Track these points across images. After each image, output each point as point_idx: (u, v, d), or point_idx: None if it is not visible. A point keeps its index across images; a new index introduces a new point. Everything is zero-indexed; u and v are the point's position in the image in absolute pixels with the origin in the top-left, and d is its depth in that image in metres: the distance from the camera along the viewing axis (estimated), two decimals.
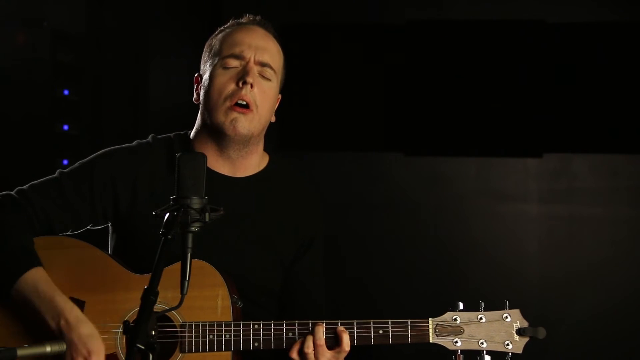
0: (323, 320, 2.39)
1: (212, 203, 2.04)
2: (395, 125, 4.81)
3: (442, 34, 4.76)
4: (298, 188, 2.70)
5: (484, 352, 2.38)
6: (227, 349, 2.38)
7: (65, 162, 4.61)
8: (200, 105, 2.59)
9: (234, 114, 2.49)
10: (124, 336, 2.38)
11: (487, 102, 4.71)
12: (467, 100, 4.73)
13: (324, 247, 2.71)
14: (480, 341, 2.39)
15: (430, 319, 2.41)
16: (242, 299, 2.44)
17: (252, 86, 2.49)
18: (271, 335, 2.39)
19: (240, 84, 2.49)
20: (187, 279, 1.99)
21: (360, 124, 4.81)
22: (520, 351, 2.39)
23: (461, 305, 2.41)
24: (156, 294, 1.87)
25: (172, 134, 2.67)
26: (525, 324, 2.40)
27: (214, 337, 2.38)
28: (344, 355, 2.38)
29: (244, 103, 2.49)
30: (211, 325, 2.38)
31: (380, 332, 2.39)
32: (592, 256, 4.64)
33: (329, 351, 2.36)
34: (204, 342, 2.37)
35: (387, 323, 2.39)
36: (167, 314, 2.36)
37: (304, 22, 4.82)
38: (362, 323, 2.40)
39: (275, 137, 2.86)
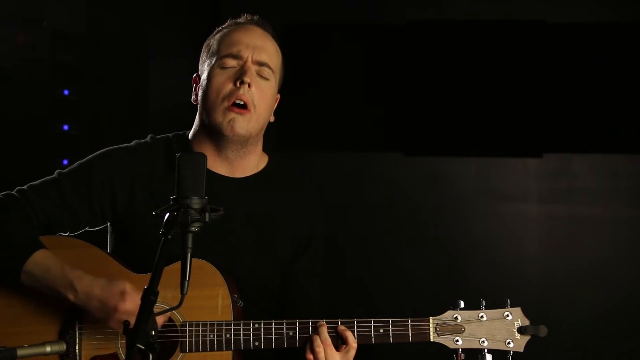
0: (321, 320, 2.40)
1: (211, 204, 2.04)
2: (395, 125, 4.80)
3: (442, 34, 4.76)
4: (297, 188, 2.70)
5: (485, 350, 2.39)
6: (228, 348, 2.38)
7: (65, 162, 4.61)
8: (198, 106, 2.59)
9: (232, 115, 2.49)
10: (124, 336, 2.38)
11: (487, 102, 4.71)
12: (467, 100, 4.73)
13: (324, 247, 2.71)
14: (482, 340, 2.39)
15: (431, 317, 2.41)
16: (242, 299, 2.44)
17: (249, 86, 2.49)
18: (272, 335, 2.39)
19: (238, 84, 2.49)
20: (187, 278, 1.99)
21: (360, 124, 4.81)
22: (521, 349, 2.39)
23: (462, 304, 2.41)
24: (156, 294, 1.87)
25: (170, 134, 2.67)
26: (527, 322, 2.40)
27: (214, 336, 2.38)
28: (353, 352, 2.38)
29: (242, 103, 2.49)
30: (212, 325, 2.38)
31: (381, 331, 2.39)
32: (592, 256, 4.64)
33: (338, 353, 2.37)
34: (204, 342, 2.38)
35: (388, 322, 2.39)
36: (167, 313, 2.36)
37: (304, 22, 4.82)
38: (363, 322, 2.40)
39: (274, 137, 2.86)
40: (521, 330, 2.39)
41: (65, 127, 4.71)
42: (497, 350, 2.39)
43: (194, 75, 2.63)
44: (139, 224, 2.51)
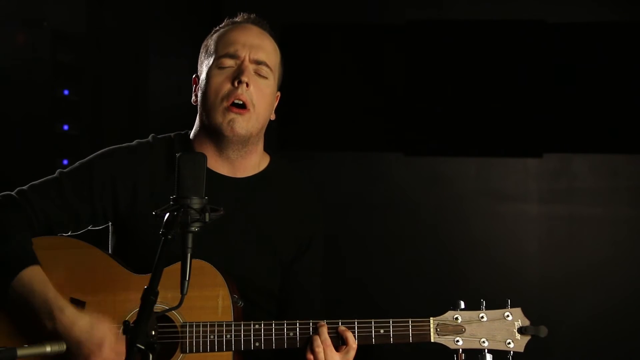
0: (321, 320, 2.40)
1: (212, 204, 2.04)
2: (395, 125, 4.80)
3: (442, 34, 4.76)
4: (297, 189, 2.70)
5: (486, 351, 2.39)
6: (228, 349, 2.38)
7: (65, 162, 4.61)
8: (198, 107, 2.59)
9: (232, 115, 2.49)
10: (124, 336, 2.37)
11: (487, 102, 4.71)
12: (467, 100, 4.73)
13: (324, 247, 2.71)
14: (482, 340, 2.39)
15: (431, 318, 2.41)
16: (242, 300, 2.44)
17: (247, 85, 2.49)
18: (272, 335, 2.39)
19: (236, 84, 2.49)
20: (187, 279, 1.98)
21: (360, 124, 4.81)
22: (522, 350, 2.39)
23: (462, 304, 2.41)
24: (156, 294, 1.87)
25: (172, 134, 2.67)
26: (527, 322, 2.41)
27: (214, 337, 2.38)
28: (352, 353, 2.38)
29: (241, 103, 2.49)
30: (212, 326, 2.38)
31: (381, 331, 2.39)
32: (592, 256, 4.64)
33: (338, 353, 2.37)
34: (204, 342, 2.37)
35: (388, 322, 2.39)
36: (167, 314, 2.36)
37: (304, 22, 4.82)
38: (363, 322, 2.40)
39: (275, 137, 2.86)
40: (521, 330, 2.39)
41: (65, 127, 4.71)
42: (497, 350, 2.39)
43: (194, 76, 2.63)
44: (140, 223, 2.51)
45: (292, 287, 2.64)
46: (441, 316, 2.41)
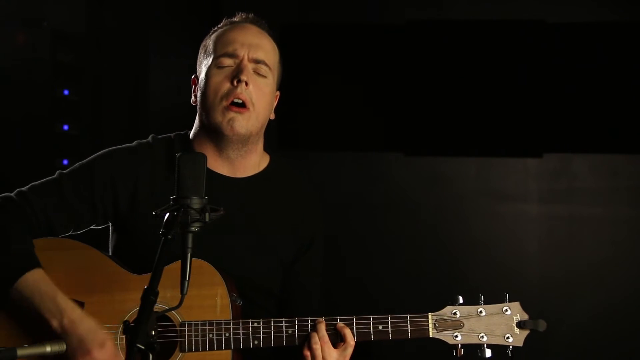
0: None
1: (212, 204, 2.04)
2: (395, 125, 4.80)
3: (442, 34, 4.76)
4: (297, 188, 2.70)
5: (485, 345, 2.39)
6: (227, 347, 2.38)
7: (65, 162, 4.61)
8: (197, 107, 2.59)
9: (231, 114, 2.49)
10: (124, 336, 2.37)
11: (487, 102, 4.71)
12: (467, 100, 4.73)
13: (324, 247, 2.71)
14: (481, 335, 2.39)
15: (429, 313, 2.41)
16: (241, 299, 2.44)
17: (247, 84, 2.49)
18: (271, 333, 2.39)
19: (235, 83, 2.49)
20: (187, 278, 1.99)
21: (360, 124, 4.81)
22: (520, 344, 2.39)
23: (461, 299, 2.42)
24: (156, 294, 1.87)
25: (172, 134, 2.67)
26: (526, 316, 2.40)
27: (213, 335, 2.38)
28: (350, 350, 2.39)
29: (240, 102, 2.49)
30: (211, 324, 2.38)
31: (380, 327, 2.39)
32: (592, 256, 4.64)
33: (335, 350, 2.37)
34: (203, 341, 2.38)
35: (387, 318, 2.39)
36: (166, 313, 2.36)
37: (304, 22, 4.82)
38: (362, 319, 2.40)
39: (275, 136, 2.87)
40: (520, 324, 2.39)
41: (65, 127, 4.71)
42: (496, 345, 2.39)
43: (192, 76, 2.64)
44: (140, 224, 2.51)
45: (292, 287, 2.64)
46: (439, 311, 2.41)
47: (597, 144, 4.69)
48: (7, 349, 2.06)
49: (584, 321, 4.57)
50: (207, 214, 2.01)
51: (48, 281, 2.37)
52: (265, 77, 2.55)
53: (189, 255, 1.99)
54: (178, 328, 2.39)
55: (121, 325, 2.39)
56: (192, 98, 2.62)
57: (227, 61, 2.53)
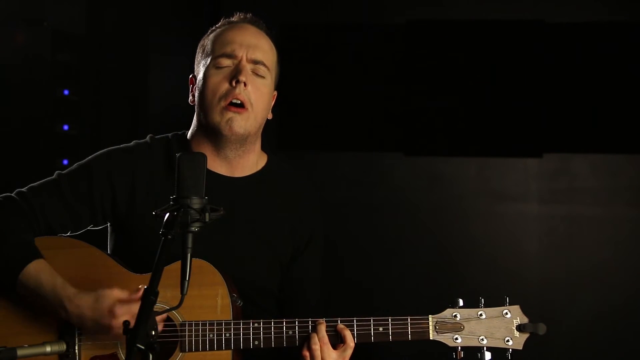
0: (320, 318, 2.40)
1: (210, 203, 2.04)
2: (395, 125, 4.80)
3: (442, 34, 4.76)
4: (296, 188, 2.70)
5: (485, 348, 2.39)
6: (228, 347, 2.38)
7: (65, 162, 4.61)
8: (195, 106, 2.60)
9: (230, 114, 2.49)
10: (124, 336, 2.37)
11: (487, 102, 4.71)
12: (467, 100, 4.73)
13: (324, 246, 2.71)
14: (481, 337, 2.39)
15: (430, 315, 2.41)
16: (240, 299, 2.44)
17: (245, 85, 2.49)
18: (271, 334, 2.39)
19: (234, 83, 2.49)
20: (187, 279, 1.99)
21: (360, 124, 4.81)
22: (520, 347, 2.39)
23: (461, 302, 2.42)
24: (156, 294, 1.87)
25: (169, 134, 2.67)
26: (525, 320, 2.41)
27: (214, 335, 2.38)
28: (350, 352, 2.39)
29: (239, 102, 2.50)
30: (211, 324, 2.38)
31: (380, 329, 2.39)
32: (592, 256, 4.64)
33: (335, 351, 2.37)
34: (204, 341, 2.38)
35: (387, 320, 2.39)
36: (166, 313, 2.36)
37: (304, 22, 4.82)
38: (362, 320, 2.40)
39: (274, 136, 2.87)
40: (520, 328, 2.39)
41: (65, 127, 4.71)
42: (496, 348, 2.39)
43: (190, 76, 2.64)
44: (138, 224, 2.51)
45: (291, 286, 2.64)
46: (440, 314, 2.41)
47: (597, 144, 4.68)
48: (7, 349, 2.06)
49: (584, 321, 4.57)
50: (207, 214, 2.01)
51: (50, 271, 2.38)
52: (263, 77, 2.55)
53: (189, 255, 1.99)
54: (178, 328, 2.39)
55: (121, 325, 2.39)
56: (190, 98, 2.62)
57: (226, 61, 2.53)
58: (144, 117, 4.86)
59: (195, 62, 2.63)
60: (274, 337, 2.39)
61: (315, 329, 2.38)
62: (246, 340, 2.38)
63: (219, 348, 2.38)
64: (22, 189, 2.52)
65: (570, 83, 4.64)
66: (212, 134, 2.53)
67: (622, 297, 4.57)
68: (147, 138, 2.65)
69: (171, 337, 2.39)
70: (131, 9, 4.84)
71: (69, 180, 2.53)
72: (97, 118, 4.83)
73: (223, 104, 2.50)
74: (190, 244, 2.00)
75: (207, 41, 2.60)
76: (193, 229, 2.00)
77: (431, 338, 2.40)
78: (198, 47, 2.63)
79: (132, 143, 2.63)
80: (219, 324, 2.38)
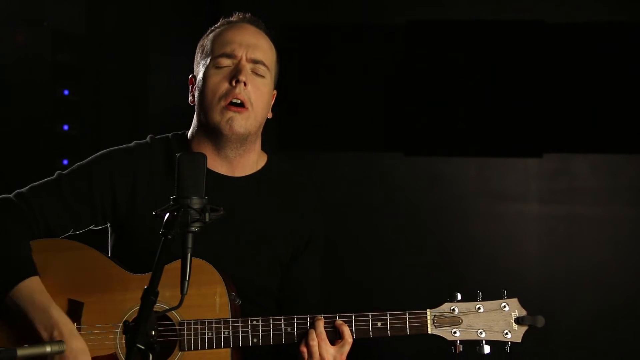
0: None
1: (210, 203, 2.05)
2: (395, 125, 4.80)
3: (442, 34, 4.76)
4: (296, 187, 2.70)
5: (483, 341, 2.39)
6: (227, 345, 2.38)
7: (65, 162, 4.62)
8: (195, 106, 2.60)
9: (230, 114, 2.49)
10: (123, 336, 2.37)
11: (487, 102, 4.71)
12: (467, 100, 4.73)
13: (324, 246, 2.71)
14: (479, 331, 2.40)
15: (428, 310, 2.41)
16: (240, 298, 2.44)
17: (245, 84, 2.50)
18: (270, 331, 2.39)
19: (234, 83, 2.50)
20: (187, 278, 1.98)
21: (360, 124, 4.81)
22: (519, 340, 2.39)
23: (459, 296, 2.42)
24: (156, 294, 1.87)
25: (169, 134, 2.67)
26: (524, 312, 2.41)
27: (212, 334, 2.38)
28: (347, 347, 2.39)
29: (239, 102, 2.50)
30: (210, 323, 2.38)
31: (379, 324, 2.39)
32: (592, 256, 4.64)
33: (333, 347, 2.37)
34: (203, 340, 2.38)
35: (385, 315, 2.39)
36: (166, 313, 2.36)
37: (304, 22, 4.82)
38: (360, 316, 2.40)
39: (274, 136, 2.87)
40: (518, 320, 2.39)
41: (65, 127, 4.71)
42: (495, 341, 2.39)
43: (190, 76, 2.64)
44: (139, 224, 2.51)
45: (291, 286, 2.64)
46: (438, 308, 2.41)
47: (597, 144, 4.69)
48: (7, 349, 2.06)
49: (584, 321, 4.57)
50: (207, 214, 2.01)
51: (42, 291, 2.36)
52: (263, 77, 2.55)
53: (189, 255, 1.99)
54: (177, 327, 2.39)
55: (121, 325, 2.39)
56: (190, 97, 2.63)
57: (225, 61, 2.53)
58: (144, 117, 4.87)
59: (195, 62, 2.63)
60: (273, 334, 2.39)
61: (313, 325, 2.38)
62: (245, 338, 2.38)
63: (218, 346, 2.38)
64: (22, 190, 2.51)
65: (570, 83, 4.64)
66: (213, 133, 2.54)
67: (622, 297, 4.57)
68: (148, 138, 2.65)
69: (170, 336, 2.39)
70: (131, 9, 4.84)
71: (70, 180, 2.53)
72: (97, 118, 4.83)
73: (223, 103, 2.50)
74: (190, 244, 2.00)
75: (207, 41, 2.61)
76: (193, 229, 2.00)
77: (429, 332, 2.40)
78: (197, 47, 2.64)
79: (132, 143, 2.63)
80: (218, 322, 2.38)
